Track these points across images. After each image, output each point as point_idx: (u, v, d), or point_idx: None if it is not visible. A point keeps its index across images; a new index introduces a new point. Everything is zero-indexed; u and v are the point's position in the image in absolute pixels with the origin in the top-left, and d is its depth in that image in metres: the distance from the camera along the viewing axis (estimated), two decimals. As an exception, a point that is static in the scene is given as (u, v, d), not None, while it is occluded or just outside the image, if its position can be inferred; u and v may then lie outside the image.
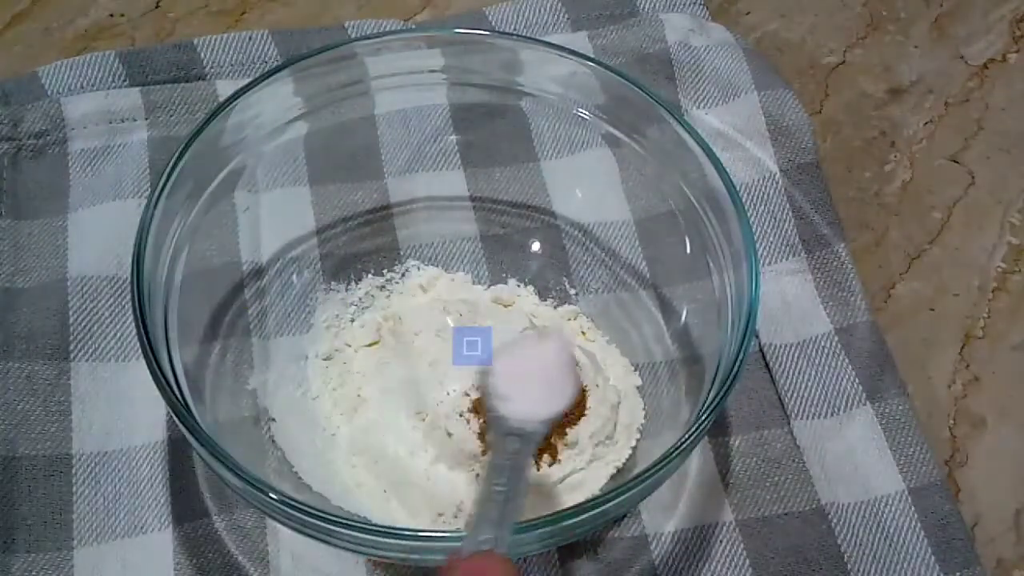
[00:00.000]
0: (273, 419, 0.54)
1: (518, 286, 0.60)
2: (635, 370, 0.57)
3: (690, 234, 0.55)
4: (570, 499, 0.51)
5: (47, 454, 0.53)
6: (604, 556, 0.52)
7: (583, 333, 0.58)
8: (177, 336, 0.49)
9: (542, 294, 0.60)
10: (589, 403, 0.53)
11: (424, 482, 0.51)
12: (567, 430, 0.52)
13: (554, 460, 0.52)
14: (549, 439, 0.52)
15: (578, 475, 0.52)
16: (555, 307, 0.59)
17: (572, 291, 0.60)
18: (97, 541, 0.51)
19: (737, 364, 0.46)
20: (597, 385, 0.54)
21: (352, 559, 0.51)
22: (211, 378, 0.52)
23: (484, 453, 0.51)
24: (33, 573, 0.50)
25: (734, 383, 0.46)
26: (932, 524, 0.53)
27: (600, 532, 0.52)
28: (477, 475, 0.51)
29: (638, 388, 0.56)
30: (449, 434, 0.51)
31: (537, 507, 0.50)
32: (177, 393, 0.46)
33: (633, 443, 0.54)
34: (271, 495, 0.43)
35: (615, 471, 0.53)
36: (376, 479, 0.52)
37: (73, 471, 0.53)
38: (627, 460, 0.53)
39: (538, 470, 0.51)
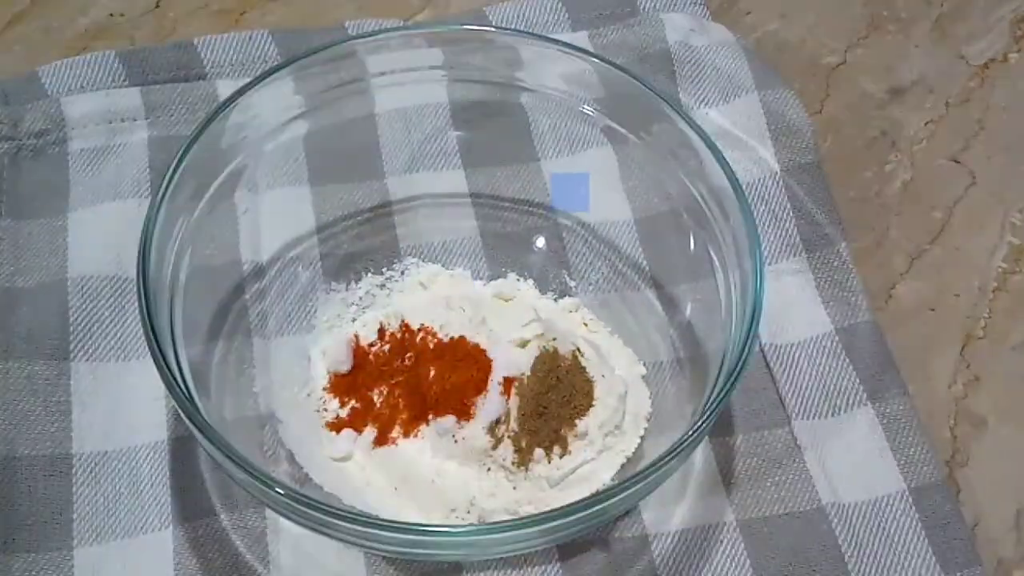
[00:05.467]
0: (280, 420, 0.54)
1: (517, 280, 0.60)
2: (639, 360, 0.57)
3: (694, 230, 0.55)
4: (581, 491, 0.51)
5: (47, 454, 0.53)
6: (605, 555, 0.52)
7: (585, 324, 0.58)
8: (182, 336, 0.49)
9: (542, 288, 0.60)
10: (596, 393, 0.53)
11: (435, 478, 0.51)
12: (576, 421, 0.52)
13: (565, 452, 0.52)
14: (559, 431, 0.52)
15: (589, 466, 0.52)
16: (555, 299, 0.60)
17: (572, 283, 0.60)
18: (97, 541, 0.51)
19: (742, 359, 0.47)
20: (603, 376, 0.54)
21: (356, 557, 0.51)
22: (216, 378, 0.52)
23: (495, 447, 0.51)
24: (33, 573, 0.50)
25: (739, 378, 0.46)
26: (933, 524, 0.53)
27: (601, 531, 0.52)
28: (488, 469, 0.51)
29: (643, 377, 0.56)
30: (457, 432, 0.52)
31: (550, 499, 0.51)
32: (183, 389, 0.46)
33: (641, 432, 0.54)
34: (277, 490, 0.43)
35: (625, 460, 0.53)
36: (386, 477, 0.52)
37: (73, 471, 0.53)
38: (636, 450, 0.53)
39: (548, 463, 0.51)
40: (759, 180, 0.63)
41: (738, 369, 0.46)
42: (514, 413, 0.52)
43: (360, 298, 0.59)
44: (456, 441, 0.52)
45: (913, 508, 0.53)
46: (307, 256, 0.60)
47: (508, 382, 0.52)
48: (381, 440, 0.53)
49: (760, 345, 0.58)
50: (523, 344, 0.53)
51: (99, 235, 0.59)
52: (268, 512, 0.52)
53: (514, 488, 0.51)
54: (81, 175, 0.62)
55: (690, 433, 0.45)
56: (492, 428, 0.51)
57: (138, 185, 0.61)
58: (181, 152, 0.51)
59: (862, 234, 0.64)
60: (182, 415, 0.45)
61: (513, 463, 0.51)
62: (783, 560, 0.52)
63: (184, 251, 0.51)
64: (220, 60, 0.66)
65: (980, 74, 0.73)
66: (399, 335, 0.56)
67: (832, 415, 0.56)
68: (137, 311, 0.47)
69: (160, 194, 0.50)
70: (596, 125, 0.59)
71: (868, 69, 0.73)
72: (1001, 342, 0.61)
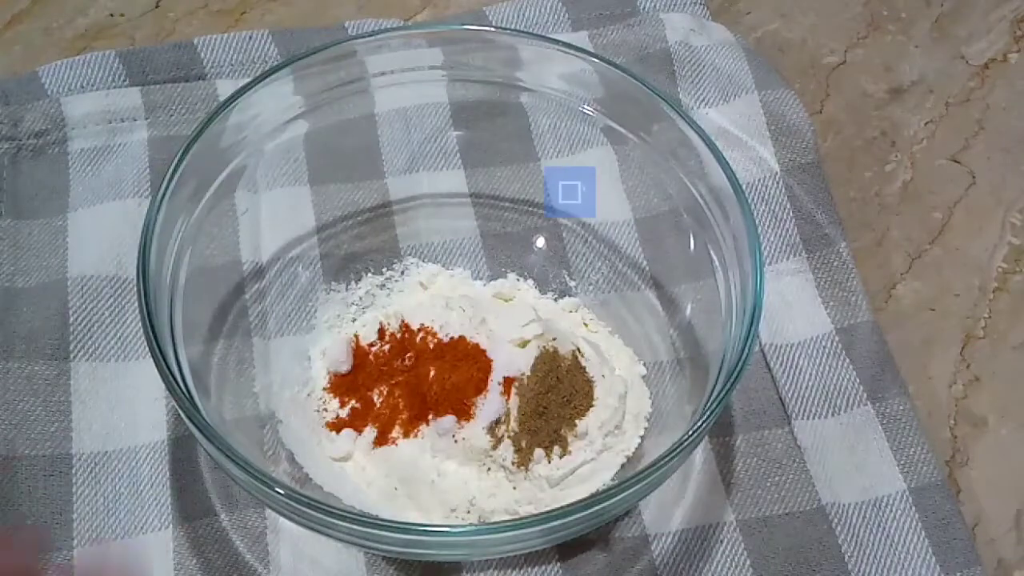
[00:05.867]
0: (280, 420, 0.54)
1: (517, 280, 0.60)
2: (639, 360, 0.57)
3: (694, 230, 0.55)
4: (581, 491, 0.51)
5: (47, 454, 0.53)
6: (605, 556, 0.52)
7: (585, 324, 0.58)
8: (182, 336, 0.49)
9: (542, 288, 0.60)
10: (597, 393, 0.53)
11: (434, 479, 0.51)
12: (576, 421, 0.52)
13: (565, 452, 0.52)
14: (559, 431, 0.52)
15: (589, 466, 0.52)
16: (555, 299, 0.60)
17: (572, 283, 0.60)
18: (97, 541, 0.51)
19: (742, 359, 0.47)
20: (603, 376, 0.54)
21: (356, 557, 0.51)
22: (216, 378, 0.52)
23: (495, 447, 0.51)
24: (33, 573, 0.50)
25: (739, 378, 0.46)
26: (933, 524, 0.53)
27: (601, 531, 0.52)
28: (488, 469, 0.51)
29: (643, 377, 0.56)
30: (457, 432, 0.52)
31: (550, 499, 0.51)
32: (184, 389, 0.46)
33: (641, 432, 0.54)
34: (277, 490, 0.43)
35: (625, 460, 0.53)
36: (386, 477, 0.52)
37: (73, 471, 0.53)
38: (636, 450, 0.53)
39: (548, 463, 0.51)
40: (759, 180, 0.63)
41: (738, 369, 0.46)
42: (514, 413, 0.52)
43: (360, 298, 0.59)
44: (456, 441, 0.52)
45: (913, 508, 0.53)
46: (307, 256, 0.60)
47: (508, 382, 0.52)
48: (381, 440, 0.53)
49: (760, 345, 0.58)
50: (523, 344, 0.53)
51: (99, 235, 0.59)
52: (268, 512, 0.52)
53: (514, 488, 0.51)
54: (81, 175, 0.62)
55: (690, 433, 0.45)
56: (492, 428, 0.51)
57: (138, 185, 0.61)
58: (181, 152, 0.51)
59: (862, 234, 0.64)
60: (182, 415, 0.45)
61: (513, 463, 0.51)
62: (783, 560, 0.52)
63: (184, 251, 0.51)
64: (220, 60, 0.66)
65: (980, 74, 0.73)
66: (399, 335, 0.56)
67: (832, 415, 0.56)
68: (137, 311, 0.47)
69: (160, 194, 0.50)
70: (596, 125, 0.59)
71: (868, 69, 0.73)
72: (1001, 342, 0.61)
